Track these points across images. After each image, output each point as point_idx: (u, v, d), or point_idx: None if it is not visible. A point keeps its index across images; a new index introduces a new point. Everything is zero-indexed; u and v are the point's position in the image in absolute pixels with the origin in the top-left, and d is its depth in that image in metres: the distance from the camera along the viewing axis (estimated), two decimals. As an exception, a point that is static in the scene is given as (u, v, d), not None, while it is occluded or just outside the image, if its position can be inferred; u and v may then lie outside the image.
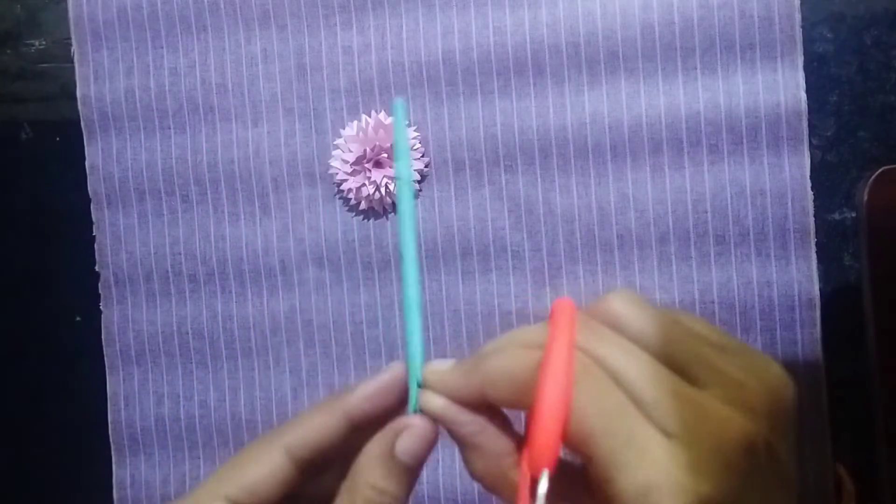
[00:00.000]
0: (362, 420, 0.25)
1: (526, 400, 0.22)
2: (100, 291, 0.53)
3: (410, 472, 0.24)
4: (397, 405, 0.25)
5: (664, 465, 0.20)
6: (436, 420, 0.24)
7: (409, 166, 0.24)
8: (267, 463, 0.25)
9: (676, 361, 0.22)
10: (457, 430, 0.24)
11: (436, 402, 0.24)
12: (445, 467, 0.49)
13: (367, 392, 0.25)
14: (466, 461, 0.24)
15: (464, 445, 0.24)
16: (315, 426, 0.25)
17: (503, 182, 0.48)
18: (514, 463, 0.23)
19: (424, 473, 0.49)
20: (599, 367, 0.21)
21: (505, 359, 0.23)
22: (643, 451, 0.20)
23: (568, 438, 0.21)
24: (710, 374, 0.22)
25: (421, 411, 0.24)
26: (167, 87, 0.51)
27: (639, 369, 0.21)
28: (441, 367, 0.25)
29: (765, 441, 0.21)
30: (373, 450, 0.24)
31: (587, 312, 0.23)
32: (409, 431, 0.24)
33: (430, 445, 0.24)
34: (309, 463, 0.25)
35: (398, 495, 0.24)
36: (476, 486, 0.49)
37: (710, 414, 0.21)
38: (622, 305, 0.23)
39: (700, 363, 0.22)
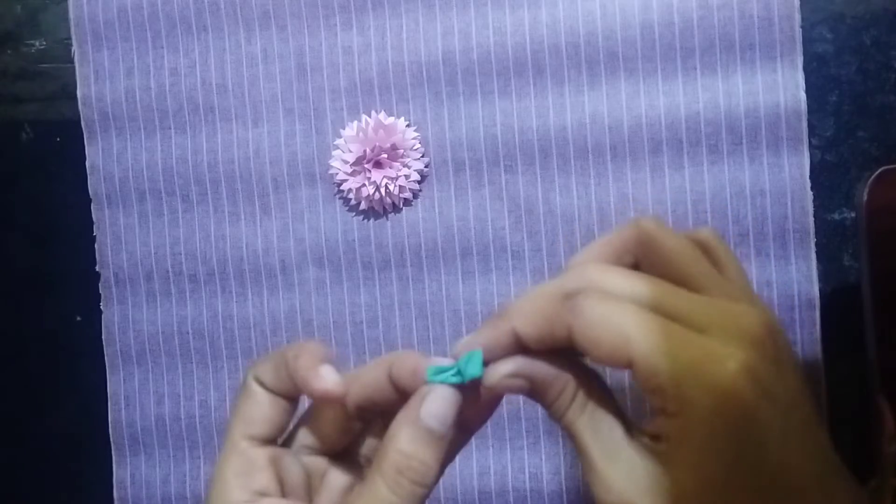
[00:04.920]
0: (403, 387, 0.26)
1: (557, 328, 0.24)
2: (100, 291, 0.53)
3: (438, 439, 0.25)
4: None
5: (704, 347, 0.22)
6: (509, 386, 0.25)
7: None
8: (253, 397, 0.27)
9: (693, 282, 0.25)
10: (538, 377, 0.25)
11: (503, 367, 0.25)
12: (445, 467, 0.49)
13: (406, 363, 0.26)
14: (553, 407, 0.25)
15: (547, 391, 0.25)
16: (272, 368, 0.27)
17: (503, 182, 0.48)
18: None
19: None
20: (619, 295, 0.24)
21: (529, 298, 0.25)
22: (680, 342, 0.22)
23: (608, 352, 0.23)
24: (721, 287, 0.25)
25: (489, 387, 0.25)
26: (167, 88, 0.51)
27: (654, 289, 0.24)
28: (467, 338, 0.26)
29: (779, 327, 0.24)
30: (400, 417, 0.25)
31: (619, 235, 0.27)
32: (433, 395, 0.25)
33: (455, 409, 0.25)
34: (364, 410, 0.27)
35: (426, 460, 0.24)
36: (476, 485, 0.49)
37: (729, 308, 0.24)
38: (654, 229, 0.26)
39: (711, 279, 0.25)
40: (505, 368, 0.25)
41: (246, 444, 0.26)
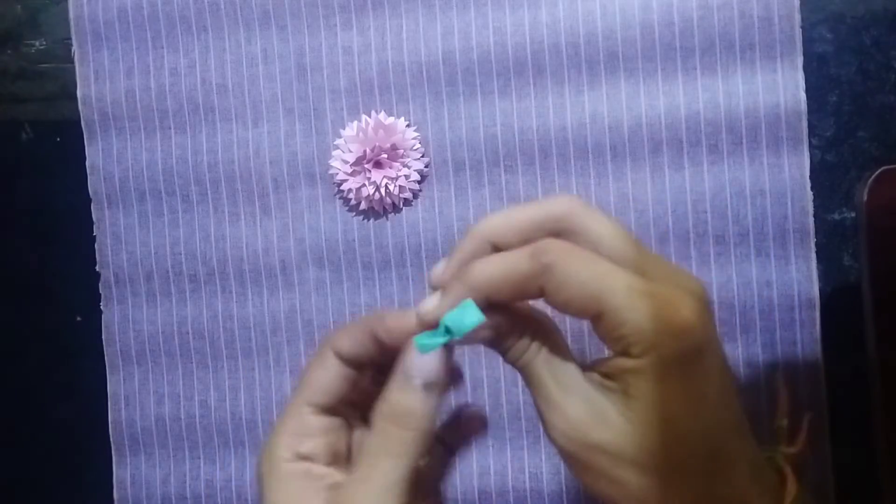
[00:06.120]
0: (389, 343, 0.28)
1: (528, 290, 0.26)
2: (100, 291, 0.53)
3: (427, 388, 0.26)
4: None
5: (663, 295, 0.25)
6: (477, 337, 0.27)
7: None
8: (326, 367, 0.28)
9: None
10: (502, 328, 0.27)
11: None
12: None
13: (389, 325, 0.28)
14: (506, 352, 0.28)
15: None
16: (352, 336, 0.28)
17: (503, 182, 0.48)
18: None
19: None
20: (585, 240, 0.26)
21: (495, 258, 0.27)
22: (642, 293, 0.25)
23: (579, 307, 0.25)
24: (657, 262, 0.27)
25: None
26: (167, 87, 0.51)
27: (622, 241, 0.26)
28: (433, 299, 0.27)
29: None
30: (394, 373, 0.27)
31: (543, 210, 0.28)
32: (412, 349, 0.27)
33: (441, 360, 0.26)
34: (357, 362, 0.29)
35: (415, 409, 0.26)
36: (476, 485, 0.49)
37: (677, 269, 0.27)
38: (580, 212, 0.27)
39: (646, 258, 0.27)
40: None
41: (307, 410, 0.28)
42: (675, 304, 0.25)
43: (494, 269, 0.26)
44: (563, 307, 0.26)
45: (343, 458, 0.29)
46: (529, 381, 0.27)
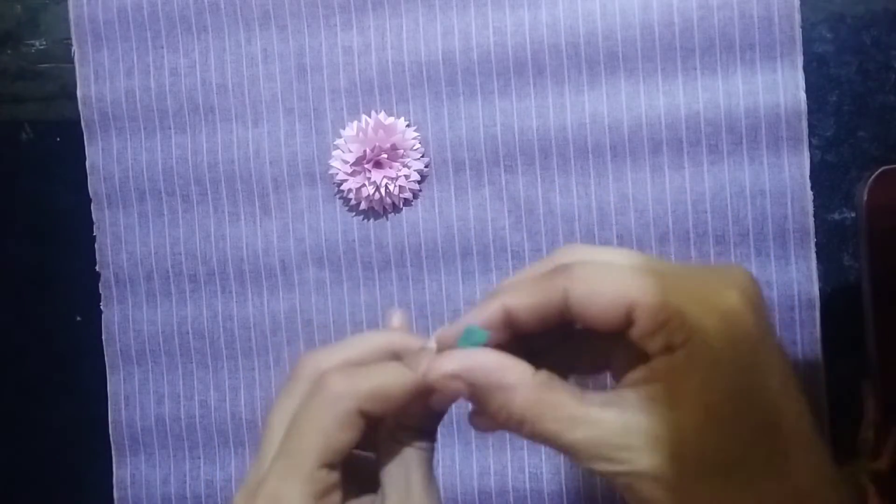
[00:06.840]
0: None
1: (551, 293, 0.24)
2: (100, 291, 0.53)
3: (438, 416, 0.28)
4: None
5: (703, 282, 0.23)
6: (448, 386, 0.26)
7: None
8: (351, 428, 0.26)
9: None
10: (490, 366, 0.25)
11: (446, 363, 0.26)
12: (445, 468, 0.49)
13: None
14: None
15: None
16: (398, 407, 0.27)
17: (503, 182, 0.48)
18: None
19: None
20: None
21: (518, 274, 0.26)
22: (679, 280, 0.23)
23: (609, 301, 0.23)
24: None
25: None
26: (167, 87, 0.51)
27: (643, 257, 0.25)
28: (452, 324, 0.26)
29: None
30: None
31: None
32: (441, 394, 0.26)
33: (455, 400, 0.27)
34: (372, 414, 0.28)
35: (426, 428, 0.28)
36: (476, 485, 0.49)
37: (713, 266, 0.25)
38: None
39: None
40: (448, 366, 0.25)
41: (325, 473, 0.26)
42: (719, 289, 0.23)
43: (519, 278, 0.25)
44: (591, 307, 0.23)
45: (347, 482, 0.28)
46: (537, 412, 0.24)
